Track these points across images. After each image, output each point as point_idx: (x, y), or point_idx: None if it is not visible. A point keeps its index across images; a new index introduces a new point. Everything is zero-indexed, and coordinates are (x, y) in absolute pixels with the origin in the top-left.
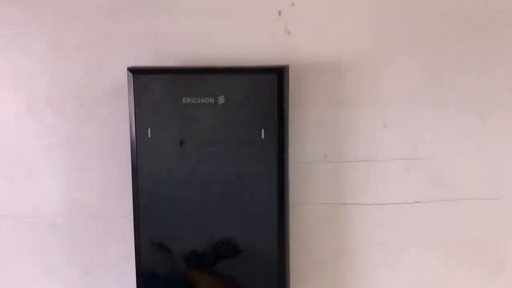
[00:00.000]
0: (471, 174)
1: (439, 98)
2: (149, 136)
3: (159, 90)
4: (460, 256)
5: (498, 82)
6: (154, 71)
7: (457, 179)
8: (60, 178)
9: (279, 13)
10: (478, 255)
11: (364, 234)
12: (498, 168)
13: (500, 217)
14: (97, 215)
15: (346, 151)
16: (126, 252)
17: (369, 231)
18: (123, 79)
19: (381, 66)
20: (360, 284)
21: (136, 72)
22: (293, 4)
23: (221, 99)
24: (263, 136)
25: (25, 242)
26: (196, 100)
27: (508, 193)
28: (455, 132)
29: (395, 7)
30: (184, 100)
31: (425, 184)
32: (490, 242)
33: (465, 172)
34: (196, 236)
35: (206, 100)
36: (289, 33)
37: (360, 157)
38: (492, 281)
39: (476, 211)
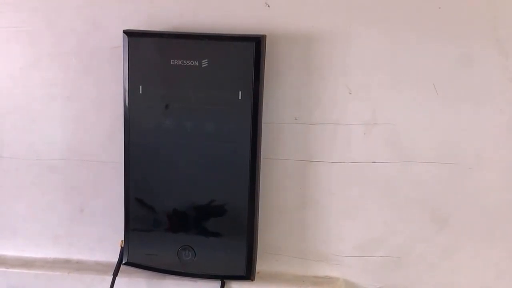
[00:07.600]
0: (423, 140)
1: (398, 70)
2: (140, 92)
3: (150, 52)
4: (409, 211)
5: (449, 59)
6: (146, 35)
7: (409, 143)
8: (60, 125)
9: None
10: (425, 211)
11: (328, 188)
12: (447, 136)
13: (445, 179)
14: (92, 160)
15: (315, 115)
16: (116, 193)
17: (332, 185)
18: (118, 40)
19: (349, 39)
20: (322, 230)
21: (130, 34)
22: None
23: (205, 63)
24: (240, 97)
25: (27, 181)
26: (182, 62)
27: (454, 158)
28: (411, 101)
29: None
30: (172, 61)
31: (381, 146)
32: (436, 200)
33: (417, 138)
34: (177, 184)
35: (191, 63)
36: (268, 6)
37: (327, 120)
38: (437, 235)
39: (425, 172)
